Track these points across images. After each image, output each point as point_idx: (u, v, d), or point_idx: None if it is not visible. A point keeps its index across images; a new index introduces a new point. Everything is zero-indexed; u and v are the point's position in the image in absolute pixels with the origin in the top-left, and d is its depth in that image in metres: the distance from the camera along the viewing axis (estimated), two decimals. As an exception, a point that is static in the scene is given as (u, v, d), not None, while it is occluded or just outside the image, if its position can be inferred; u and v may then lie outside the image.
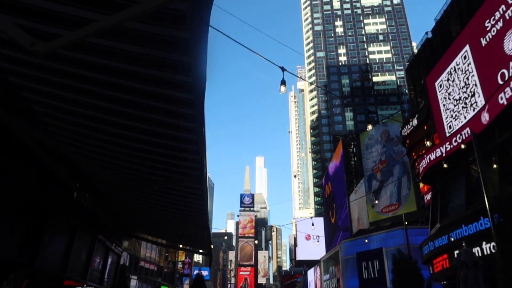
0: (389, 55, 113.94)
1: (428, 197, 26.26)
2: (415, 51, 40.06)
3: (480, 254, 13.78)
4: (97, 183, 6.36)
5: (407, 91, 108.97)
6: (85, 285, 7.71)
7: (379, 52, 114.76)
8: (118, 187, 6.10)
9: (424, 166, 19.58)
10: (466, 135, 15.85)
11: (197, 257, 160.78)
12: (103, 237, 8.34)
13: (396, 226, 38.94)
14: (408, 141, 28.07)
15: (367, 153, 47.54)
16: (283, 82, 9.12)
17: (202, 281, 9.28)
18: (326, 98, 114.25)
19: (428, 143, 22.06)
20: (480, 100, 16.80)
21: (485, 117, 14.92)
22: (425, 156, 19.69)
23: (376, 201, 43.94)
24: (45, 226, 5.86)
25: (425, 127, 24.10)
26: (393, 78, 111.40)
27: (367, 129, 50.91)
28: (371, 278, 38.70)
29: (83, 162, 5.61)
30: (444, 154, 17.51)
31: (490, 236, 13.23)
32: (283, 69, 9.11)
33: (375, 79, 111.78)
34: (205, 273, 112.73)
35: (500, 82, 15.26)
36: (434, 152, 18.51)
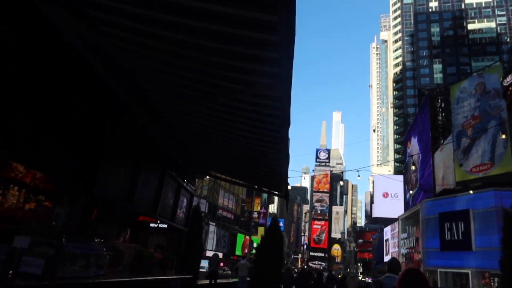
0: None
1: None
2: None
3: None
4: (158, 102, 5.82)
5: (508, 39, 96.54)
6: (158, 221, 7.72)
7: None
8: (181, 103, 5.45)
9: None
10: None
11: (272, 208, 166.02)
12: (173, 172, 8.14)
13: (487, 187, 35.79)
14: (509, 93, 24.64)
15: (457, 107, 43.38)
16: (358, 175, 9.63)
17: (277, 227, 9.37)
18: (412, 49, 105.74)
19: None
20: None
21: None
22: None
23: (466, 160, 40.48)
24: (103, 151, 5.52)
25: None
26: (493, 25, 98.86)
27: (460, 82, 46.21)
28: (454, 240, 36.52)
29: (141, 72, 5.01)
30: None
31: None
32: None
33: (470, 26, 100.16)
34: (280, 224, 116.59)
35: None
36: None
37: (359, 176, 14.37)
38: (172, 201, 7.86)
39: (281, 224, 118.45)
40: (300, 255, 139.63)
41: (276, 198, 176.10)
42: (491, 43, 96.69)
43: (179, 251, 8.52)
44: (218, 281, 21.40)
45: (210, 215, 53.93)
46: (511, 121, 35.16)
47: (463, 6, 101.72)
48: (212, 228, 54.45)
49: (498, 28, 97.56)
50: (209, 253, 49.75)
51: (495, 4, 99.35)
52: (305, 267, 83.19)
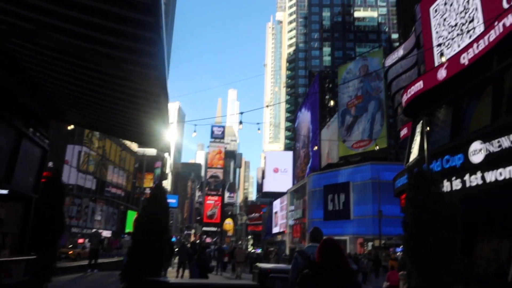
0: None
1: (404, 131, 25.77)
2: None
3: (460, 187, 13.21)
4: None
5: (387, 29, 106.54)
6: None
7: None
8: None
9: (408, 97, 18.53)
10: (465, 61, 14.60)
11: (165, 185, 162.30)
12: (8, 113, 5.92)
13: (365, 162, 39.22)
14: (390, 73, 26.81)
15: (343, 87, 46.45)
16: (240, 122, 10.52)
17: (162, 194, 7.98)
18: (305, 31, 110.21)
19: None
20: (479, 27, 15.42)
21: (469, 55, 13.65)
22: (410, 86, 18.55)
23: (348, 136, 43.78)
24: None
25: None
26: (375, 14, 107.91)
27: (346, 64, 49.40)
28: (336, 210, 39.56)
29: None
30: (437, 82, 16.34)
31: (474, 168, 12.56)
32: (241, 113, 10.18)
33: (356, 14, 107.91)
34: (172, 200, 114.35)
35: (506, 5, 13.81)
36: (420, 82, 17.36)
37: (259, 129, 13.94)
38: (8, 156, 6.00)
39: (174, 200, 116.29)
40: (193, 231, 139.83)
41: (169, 174, 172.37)
42: (373, 31, 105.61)
43: (25, 225, 6.87)
44: (100, 260, 19.71)
45: (98, 191, 50.11)
46: (392, 99, 38.69)
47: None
48: (99, 205, 50.82)
49: (379, 18, 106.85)
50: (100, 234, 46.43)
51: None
52: (197, 241, 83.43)
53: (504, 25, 12.98)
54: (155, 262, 7.10)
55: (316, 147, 48.44)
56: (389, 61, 26.56)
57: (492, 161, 11.84)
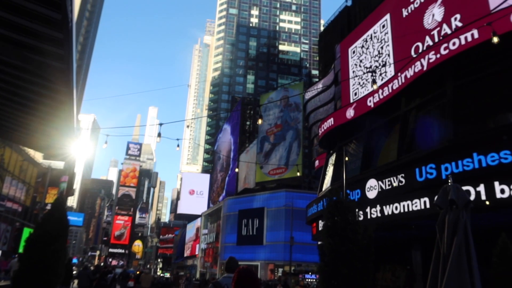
0: (298, 27, 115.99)
1: (317, 163, 27.03)
2: (322, 28, 40.54)
3: (362, 218, 14.04)
4: None
5: (308, 65, 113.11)
6: None
7: (290, 21, 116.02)
8: None
9: (322, 131, 19.55)
10: (375, 100, 15.88)
11: (70, 202, 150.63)
12: None
13: (279, 188, 40.25)
14: (308, 106, 28.21)
15: (264, 115, 47.73)
16: (159, 135, 10.32)
17: (61, 210, 7.08)
18: (231, 57, 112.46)
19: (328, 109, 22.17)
20: (390, 71, 16.98)
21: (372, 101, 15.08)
22: (324, 121, 19.63)
23: (266, 163, 44.79)
24: None
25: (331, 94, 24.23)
26: (298, 50, 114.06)
27: (269, 92, 51.06)
28: (249, 235, 39.71)
29: None
30: (354, 116, 17.49)
31: (383, 200, 13.50)
32: (160, 124, 10.27)
33: (281, 47, 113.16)
34: (77, 218, 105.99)
35: (414, 54, 15.38)
36: (331, 119, 18.50)
37: (178, 146, 13.20)
38: None
39: (79, 218, 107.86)
40: (98, 252, 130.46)
41: (76, 188, 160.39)
42: (295, 65, 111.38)
43: None
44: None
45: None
46: (309, 130, 40.56)
47: (277, 28, 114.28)
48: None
49: (302, 54, 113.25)
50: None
51: (302, 32, 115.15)
52: (101, 264, 77.88)
53: (414, 70, 14.44)
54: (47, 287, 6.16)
55: (237, 169, 48.80)
56: (309, 93, 28.02)
57: (382, 198, 13.04)
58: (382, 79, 17.43)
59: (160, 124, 9.90)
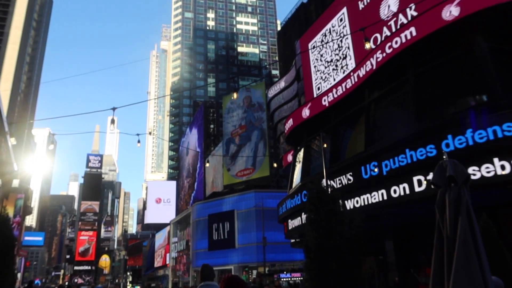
0: (255, 28, 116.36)
1: (286, 160, 26.92)
2: (279, 26, 40.69)
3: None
4: None
5: (268, 65, 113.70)
6: None
7: (246, 23, 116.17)
8: None
9: (289, 127, 19.41)
10: (333, 96, 15.89)
11: (29, 221, 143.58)
12: None
13: (249, 190, 39.91)
14: (273, 104, 28.07)
15: (228, 117, 47.31)
16: (113, 121, 9.91)
17: (5, 225, 6.09)
18: (190, 61, 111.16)
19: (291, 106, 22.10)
20: (351, 63, 17.06)
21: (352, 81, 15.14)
22: (290, 117, 19.51)
23: (232, 165, 44.32)
24: None
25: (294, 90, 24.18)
26: (257, 51, 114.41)
27: (231, 94, 50.69)
28: (221, 239, 39.08)
29: None
30: (310, 115, 17.45)
31: (351, 192, 13.44)
32: (113, 109, 9.58)
33: (239, 49, 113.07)
34: (38, 238, 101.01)
35: (373, 46, 15.49)
36: (300, 112, 18.39)
37: (139, 142, 12.34)
38: None
39: (40, 238, 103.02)
40: (62, 271, 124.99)
41: (35, 207, 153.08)
42: (255, 66, 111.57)
43: None
44: None
45: None
46: (274, 129, 40.44)
47: (234, 30, 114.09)
48: None
49: (261, 54, 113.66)
50: None
51: (259, 33, 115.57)
52: (66, 283, 74.50)
53: (375, 61, 14.51)
54: None
55: (207, 165, 48.00)
56: (272, 92, 27.90)
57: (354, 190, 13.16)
58: (343, 72, 17.48)
59: (113, 109, 9.24)
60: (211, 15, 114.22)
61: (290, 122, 19.43)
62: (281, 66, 31.44)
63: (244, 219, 38.05)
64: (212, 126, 57.85)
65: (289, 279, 29.20)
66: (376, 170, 12.22)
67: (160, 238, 63.40)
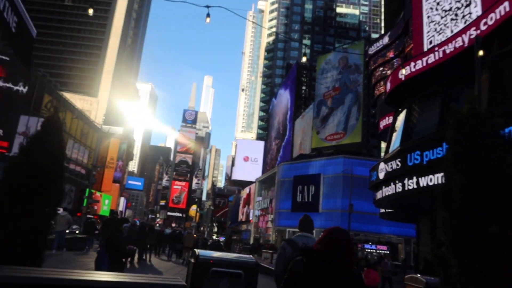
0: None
1: (383, 124, 24.74)
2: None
3: (439, 182, 12.02)
4: None
5: (367, 27, 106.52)
6: None
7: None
8: None
9: (391, 85, 17.33)
10: (450, 50, 13.44)
11: (132, 166, 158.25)
12: None
13: (337, 155, 38.28)
14: (372, 62, 25.64)
15: (321, 78, 45.26)
16: (208, 15, 9.58)
17: (57, 125, 5.13)
18: (286, 21, 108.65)
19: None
20: (476, 11, 14.30)
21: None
22: (394, 74, 17.34)
23: (322, 128, 42.74)
24: None
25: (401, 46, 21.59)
26: (357, 12, 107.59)
27: (327, 53, 48.21)
28: (304, 202, 38.49)
29: None
30: (417, 72, 15.19)
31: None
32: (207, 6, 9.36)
33: (338, 10, 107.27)
34: (138, 183, 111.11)
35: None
36: (407, 68, 16.14)
37: (208, 16, 11.45)
38: None
39: (140, 183, 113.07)
40: (158, 214, 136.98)
41: (137, 154, 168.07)
42: (353, 29, 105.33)
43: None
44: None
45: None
46: (365, 96, 37.79)
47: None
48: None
49: (361, 16, 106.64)
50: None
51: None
52: (157, 225, 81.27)
53: (504, 8, 11.84)
54: (27, 241, 4.34)
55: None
56: (373, 48, 25.43)
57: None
58: (465, 22, 14.77)
59: (208, 7, 9.12)
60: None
61: (392, 80, 17.31)
62: (386, 22, 28.45)
63: (330, 184, 36.80)
64: (304, 87, 56.18)
65: (374, 251, 27.67)
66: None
67: (245, 194, 65.13)
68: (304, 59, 15.89)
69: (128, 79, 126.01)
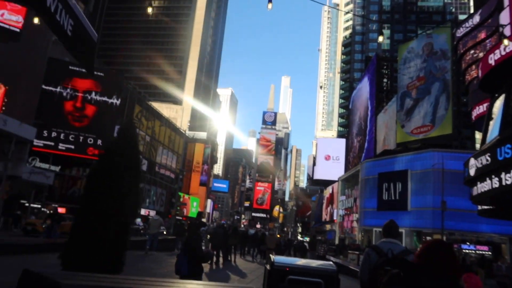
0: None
1: (477, 112, 22.37)
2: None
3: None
4: None
5: (454, 9, 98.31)
6: None
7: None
8: None
9: (486, 68, 15.50)
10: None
11: (216, 170, 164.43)
12: None
13: (425, 149, 35.64)
14: (461, 45, 23.34)
15: (404, 68, 42.58)
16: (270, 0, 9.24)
17: (131, 137, 5.34)
18: (363, 12, 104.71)
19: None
20: None
21: None
22: (488, 55, 15.49)
23: (408, 121, 40.15)
24: None
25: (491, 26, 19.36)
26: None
27: (409, 41, 45.26)
28: (391, 200, 36.47)
29: None
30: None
31: None
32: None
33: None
34: (223, 185, 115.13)
35: None
36: (504, 47, 14.28)
37: (270, 1, 11.16)
38: None
39: (225, 185, 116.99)
40: (243, 215, 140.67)
41: (220, 158, 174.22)
42: (438, 12, 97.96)
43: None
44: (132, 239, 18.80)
45: (148, 173, 50.47)
46: (454, 83, 34.67)
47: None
48: (154, 188, 51.29)
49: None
50: (146, 213, 46.93)
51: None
52: (242, 226, 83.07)
53: None
54: (110, 246, 4.46)
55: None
56: (461, 30, 23.11)
57: None
58: None
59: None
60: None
61: (487, 62, 15.47)
62: (456, 22, 25.76)
63: (418, 180, 34.40)
64: (385, 80, 53.42)
65: (473, 251, 25.16)
66: None
67: (328, 194, 63.86)
68: (380, 38, 14.88)
69: (209, 86, 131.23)
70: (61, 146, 37.08)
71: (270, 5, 9.10)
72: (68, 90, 38.12)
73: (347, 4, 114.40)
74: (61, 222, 18.88)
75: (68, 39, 3.45)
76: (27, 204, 30.64)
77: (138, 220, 42.10)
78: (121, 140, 4.77)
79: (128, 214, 4.61)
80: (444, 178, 29.48)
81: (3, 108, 26.67)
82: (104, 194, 4.38)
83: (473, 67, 23.86)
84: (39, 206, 33.43)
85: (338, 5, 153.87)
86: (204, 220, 76.93)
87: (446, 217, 27.35)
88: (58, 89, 37.64)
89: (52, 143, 36.68)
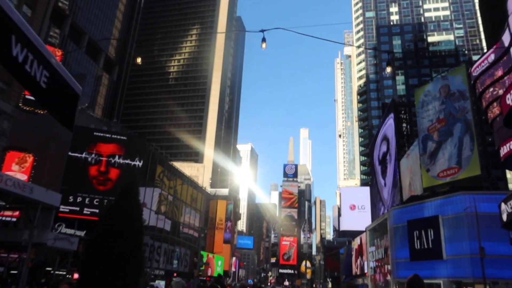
0: (447, 12, 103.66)
1: (505, 150, 21.64)
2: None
3: None
4: None
5: (466, 51, 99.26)
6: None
7: (436, 9, 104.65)
8: None
9: (506, 107, 15.14)
10: None
11: (240, 226, 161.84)
12: None
13: (455, 192, 34.30)
14: (479, 84, 23.14)
15: (422, 111, 42.29)
16: (263, 40, 9.93)
17: (132, 195, 5.34)
18: (375, 61, 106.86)
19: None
20: None
21: None
22: (506, 94, 15.18)
23: (432, 165, 39.13)
24: None
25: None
26: (451, 37, 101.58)
27: (424, 85, 45.38)
28: (424, 249, 34.64)
29: None
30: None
31: None
32: (262, 31, 9.86)
33: (430, 39, 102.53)
34: (248, 242, 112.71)
35: None
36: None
37: (263, 41, 11.34)
38: None
39: (250, 242, 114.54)
40: (270, 273, 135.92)
41: (243, 214, 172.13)
42: (450, 55, 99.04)
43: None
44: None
45: (171, 232, 49.97)
46: (477, 123, 34.04)
47: (422, 20, 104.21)
48: (178, 249, 50.54)
49: (456, 41, 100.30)
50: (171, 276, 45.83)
51: (453, 17, 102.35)
52: (269, 284, 79.93)
53: None
54: None
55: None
56: (478, 69, 23.02)
57: None
58: None
59: (262, 31, 9.13)
60: (394, 9, 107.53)
61: (505, 102, 15.11)
62: (487, 37, 25.95)
63: (452, 226, 32.77)
64: (404, 124, 53.07)
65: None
66: None
67: (356, 245, 61.46)
68: (388, 69, 14.76)
69: (229, 142, 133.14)
70: (86, 210, 37.38)
71: (264, 45, 9.80)
72: (93, 155, 39.08)
73: (358, 54, 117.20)
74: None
75: (41, 91, 3.37)
76: (52, 272, 30.39)
77: (162, 283, 40.97)
78: (121, 201, 4.64)
79: (140, 266, 4.36)
80: (479, 222, 27.99)
81: (31, 177, 27.36)
82: (100, 259, 4.16)
83: (495, 104, 23.49)
84: (64, 272, 33.11)
85: (349, 56, 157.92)
86: (229, 280, 74.36)
87: (487, 265, 25.63)
88: (83, 155, 38.66)
89: (77, 208, 37.02)
